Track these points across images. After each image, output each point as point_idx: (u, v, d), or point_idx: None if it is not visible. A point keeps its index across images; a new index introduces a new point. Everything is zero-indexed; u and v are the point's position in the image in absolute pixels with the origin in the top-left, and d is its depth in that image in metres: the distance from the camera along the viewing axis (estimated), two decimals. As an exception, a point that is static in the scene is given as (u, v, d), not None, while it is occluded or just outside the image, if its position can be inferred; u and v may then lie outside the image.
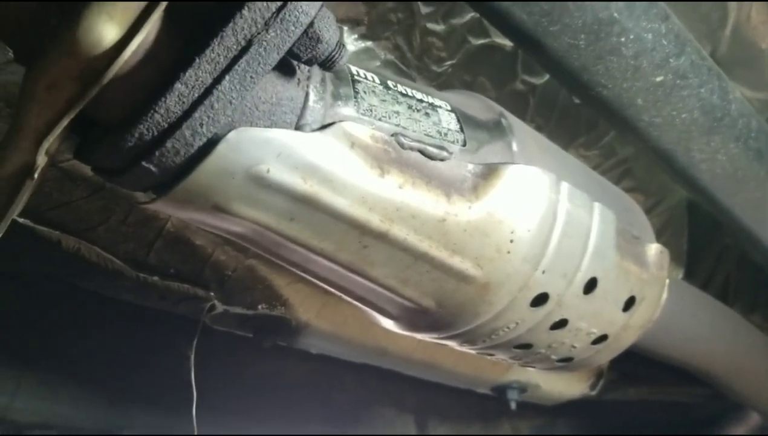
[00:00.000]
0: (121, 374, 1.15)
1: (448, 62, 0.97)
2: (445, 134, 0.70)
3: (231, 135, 0.54)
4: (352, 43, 0.87)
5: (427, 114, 0.70)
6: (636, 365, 1.62)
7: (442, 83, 0.98)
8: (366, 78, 0.67)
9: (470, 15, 0.94)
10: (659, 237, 1.44)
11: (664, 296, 0.97)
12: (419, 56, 0.94)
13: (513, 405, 1.41)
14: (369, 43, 0.88)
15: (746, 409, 1.90)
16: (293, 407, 1.43)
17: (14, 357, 1.02)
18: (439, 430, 1.77)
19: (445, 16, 0.93)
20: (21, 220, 0.72)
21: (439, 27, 0.93)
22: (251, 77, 0.53)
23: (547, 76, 1.09)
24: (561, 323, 0.82)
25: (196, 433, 0.92)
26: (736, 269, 1.68)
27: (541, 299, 0.77)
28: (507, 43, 1.02)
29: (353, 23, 0.86)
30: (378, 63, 0.91)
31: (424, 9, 0.90)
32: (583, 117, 1.16)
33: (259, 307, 0.94)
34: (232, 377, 1.29)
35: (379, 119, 0.65)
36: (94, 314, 1.08)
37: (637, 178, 1.31)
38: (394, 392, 1.66)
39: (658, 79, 0.81)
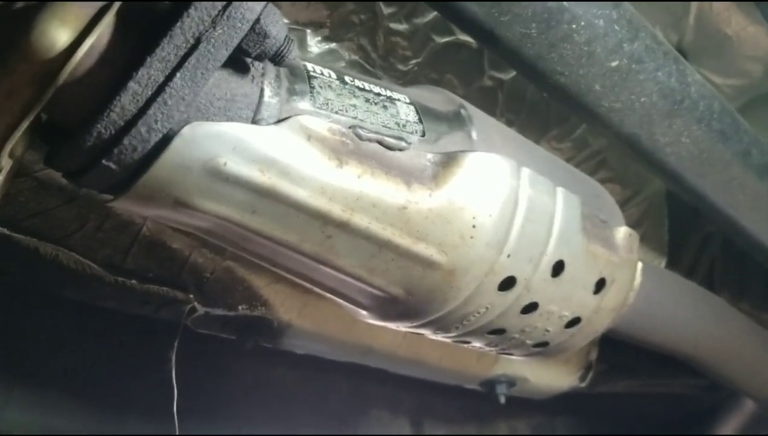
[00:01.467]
0: (113, 384, 1.16)
1: (414, 61, 0.99)
2: (404, 126, 0.72)
3: (185, 130, 0.56)
4: (316, 45, 0.90)
5: (384, 106, 0.72)
6: (626, 357, 1.63)
7: (408, 82, 1.01)
8: (322, 74, 0.69)
9: (433, 14, 0.97)
10: (638, 227, 1.46)
11: (638, 279, 0.99)
12: (384, 56, 0.96)
13: (502, 399, 1.42)
14: (333, 45, 0.91)
15: (741, 398, 1.91)
16: (286, 412, 1.44)
17: (3, 369, 1.03)
18: (436, 431, 1.78)
19: (408, 16, 0.95)
20: (-1, 229, 0.74)
21: (402, 26, 0.95)
22: (202, 73, 0.55)
23: (514, 72, 1.12)
24: (531, 307, 0.83)
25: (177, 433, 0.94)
26: (720, 257, 1.70)
27: (508, 283, 0.78)
28: (472, 40, 1.04)
29: (316, 26, 0.88)
30: (343, 64, 0.93)
31: (387, 9, 0.93)
32: (553, 110, 1.18)
33: (240, 308, 0.96)
34: (224, 385, 1.31)
35: (336, 112, 0.67)
36: (83, 325, 1.09)
37: (613, 168, 1.33)
38: (388, 394, 1.67)
39: (614, 64, 0.83)
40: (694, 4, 1.16)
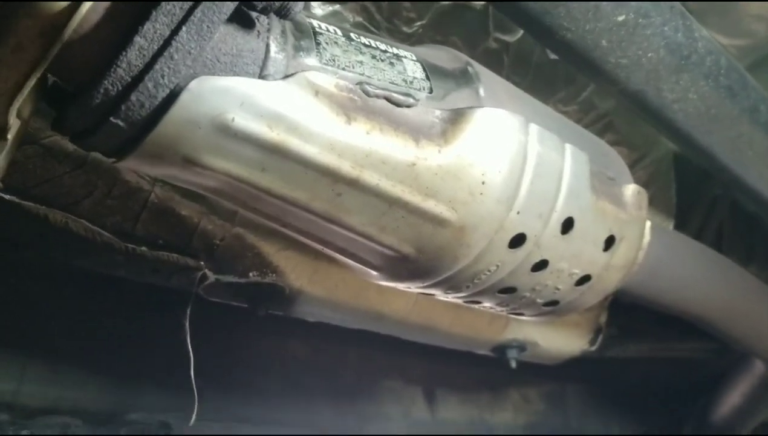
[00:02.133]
0: (126, 357, 1.18)
1: (418, 23, 0.99)
2: (411, 82, 0.71)
3: (192, 84, 0.56)
4: (319, 7, 0.89)
5: (391, 63, 0.71)
6: (635, 320, 1.64)
7: (413, 44, 1.00)
8: (327, 30, 0.69)
9: (439, -26, 0.96)
10: (647, 189, 1.46)
11: (647, 237, 0.98)
12: (388, 18, 0.95)
13: (513, 364, 1.43)
14: (336, 6, 0.90)
15: (750, 361, 1.91)
16: (300, 383, 1.45)
17: (19, 344, 1.04)
18: (449, 401, 1.79)
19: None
20: (7, 196, 0.74)
21: (406, -12, 0.95)
22: (207, 27, 0.55)
23: (520, 33, 1.11)
24: (542, 264, 0.83)
25: (195, 401, 0.95)
26: (728, 220, 1.69)
27: (518, 240, 0.78)
28: (477, 2, 1.03)
29: (318, -14, 0.88)
30: (347, 26, 0.92)
31: (391, -30, 0.92)
32: (560, 72, 1.18)
33: (251, 275, 0.96)
34: (236, 356, 1.32)
35: (343, 69, 0.66)
36: (96, 298, 1.10)
37: (620, 131, 1.32)
38: (400, 365, 1.68)
39: (620, 18, 0.82)
40: (700, -38, 1.14)
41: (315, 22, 0.69)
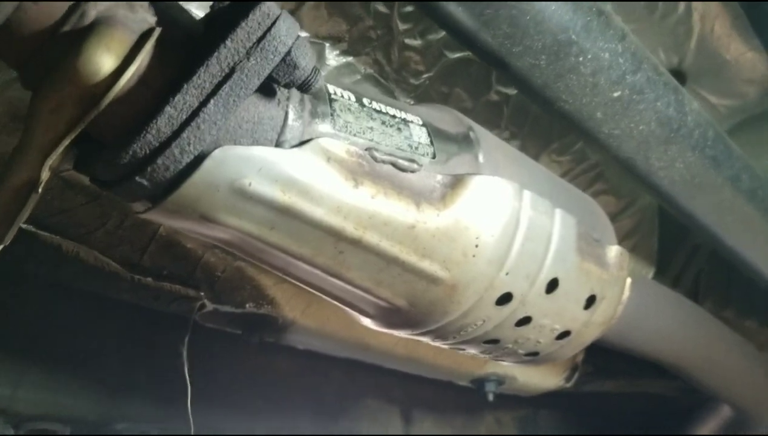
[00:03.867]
0: (120, 369, 1.21)
1: (426, 75, 1.03)
2: (416, 148, 0.76)
3: (216, 152, 0.60)
4: (334, 58, 0.93)
5: (399, 129, 0.76)
6: (611, 359, 1.69)
7: (419, 95, 1.04)
8: (342, 96, 0.73)
9: (445, 31, 1.00)
10: (630, 238, 1.51)
11: (626, 294, 1.04)
12: (398, 70, 1.00)
13: (491, 397, 1.48)
14: (350, 59, 0.94)
15: (719, 402, 1.97)
16: (283, 400, 1.49)
17: (17, 352, 1.07)
18: (425, 421, 1.84)
19: (422, 32, 0.99)
20: (24, 226, 0.78)
21: (416, 42, 0.99)
22: (234, 100, 0.59)
23: (520, 87, 1.15)
24: (525, 320, 0.88)
25: (191, 425, 0.98)
26: (707, 267, 1.75)
27: (505, 298, 0.83)
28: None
29: (335, 40, 0.91)
30: (358, 77, 0.97)
31: (402, 26, 0.96)
32: (555, 125, 1.22)
33: (247, 306, 1.00)
34: (223, 373, 1.35)
35: (354, 135, 0.70)
36: (95, 313, 1.13)
37: (609, 181, 1.37)
38: (380, 385, 1.72)
39: (616, 94, 0.87)
40: (695, 30, 1.20)
41: (331, 88, 0.73)
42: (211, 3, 0.64)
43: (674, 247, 1.65)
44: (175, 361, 1.08)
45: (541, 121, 1.20)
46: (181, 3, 0.66)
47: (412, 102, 1.04)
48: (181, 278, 0.92)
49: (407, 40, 0.98)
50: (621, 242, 1.49)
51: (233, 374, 1.37)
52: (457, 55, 1.04)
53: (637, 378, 1.90)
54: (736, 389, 1.60)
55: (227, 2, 0.62)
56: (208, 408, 1.30)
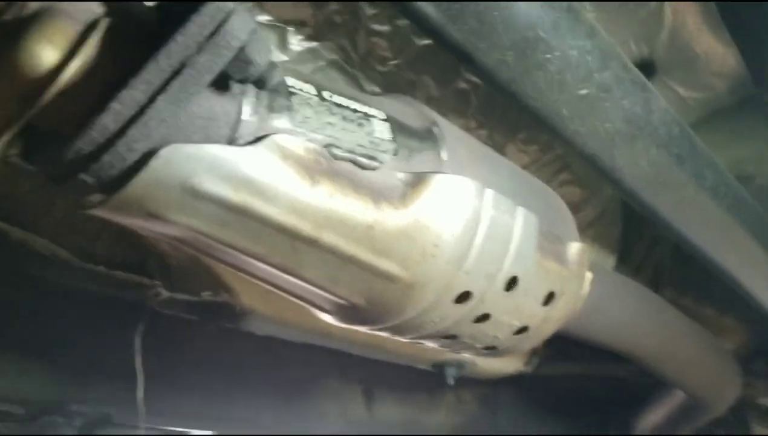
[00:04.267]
0: (75, 352, 1.19)
1: (393, 62, 1.00)
2: (378, 144, 0.74)
3: (165, 151, 0.57)
4: (298, 43, 0.90)
5: (360, 124, 0.73)
6: (570, 344, 1.71)
7: (385, 82, 1.02)
8: (302, 90, 0.70)
9: (414, 16, 0.97)
10: (594, 227, 1.52)
11: (586, 289, 1.04)
12: (364, 57, 0.97)
13: (451, 381, 1.49)
14: (314, 44, 0.91)
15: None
16: (243, 380, 1.48)
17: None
18: (386, 400, 1.85)
19: (390, 18, 0.96)
20: (-34, 212, 0.75)
21: (383, 28, 0.96)
22: (184, 97, 0.56)
23: (489, 76, 1.14)
24: (484, 317, 0.88)
25: (143, 412, 0.97)
26: (668, 255, 1.78)
27: (464, 297, 0.82)
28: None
29: (298, 24, 0.88)
30: (322, 63, 0.94)
31: (370, 11, 0.93)
32: (522, 116, 1.21)
33: (204, 294, 0.98)
34: (181, 354, 1.33)
35: (313, 131, 0.68)
36: (50, 299, 1.10)
37: (574, 172, 1.37)
38: (342, 365, 1.72)
39: (582, 92, 0.86)
40: (667, 23, 1.19)
41: (291, 81, 0.70)
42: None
43: (637, 236, 1.67)
44: (129, 342, 1.06)
45: (508, 112, 1.19)
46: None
47: (377, 89, 1.02)
48: (135, 266, 0.90)
49: (374, 26, 0.95)
50: (584, 230, 1.51)
51: (189, 354, 1.35)
52: (426, 42, 1.01)
53: (595, 362, 1.94)
54: (690, 376, 1.63)
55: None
56: (166, 389, 1.29)
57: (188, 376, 1.34)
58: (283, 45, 0.89)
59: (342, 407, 1.71)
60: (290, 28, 0.88)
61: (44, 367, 1.12)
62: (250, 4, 0.57)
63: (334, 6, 0.89)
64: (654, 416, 2.12)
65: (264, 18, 0.85)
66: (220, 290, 0.99)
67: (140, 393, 0.92)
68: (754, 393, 2.87)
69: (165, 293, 0.95)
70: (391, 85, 1.03)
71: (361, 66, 0.98)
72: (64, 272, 0.86)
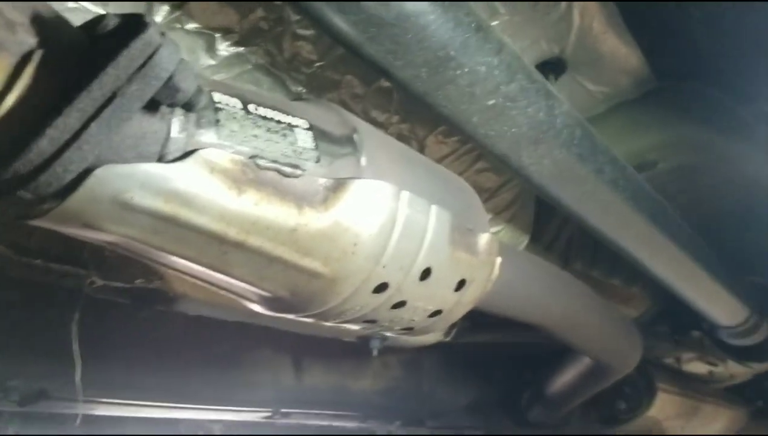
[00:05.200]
0: (10, 332, 1.21)
1: (317, 64, 1.05)
2: (300, 153, 0.80)
3: (98, 171, 0.62)
4: (225, 49, 0.94)
5: (284, 135, 0.79)
6: (486, 315, 1.84)
7: (311, 83, 1.07)
8: (227, 105, 0.75)
9: (339, 19, 1.02)
10: (509, 209, 1.63)
11: (495, 273, 1.14)
12: (289, 60, 1.01)
13: (375, 352, 1.59)
14: (240, 49, 0.95)
15: (582, 351, 2.19)
16: (175, 354, 1.54)
17: None
18: (314, 368, 1.94)
19: (314, 23, 1.00)
20: None
21: (308, 32, 1.01)
22: (116, 122, 0.61)
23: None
24: (400, 304, 0.96)
25: (80, 396, 1.02)
26: (577, 233, 1.91)
27: (381, 287, 0.91)
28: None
29: (225, 31, 0.92)
30: (249, 66, 0.98)
31: (294, 16, 0.97)
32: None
33: (137, 281, 1.03)
34: (115, 330, 1.37)
35: (239, 144, 0.74)
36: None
37: (490, 160, 1.46)
38: (272, 336, 1.79)
39: (490, 102, 0.94)
40: (575, 24, 1.28)
41: (217, 96, 0.75)
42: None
43: (548, 216, 1.79)
44: (67, 324, 1.10)
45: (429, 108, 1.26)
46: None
47: (303, 90, 1.07)
48: (69, 258, 0.93)
49: (299, 30, 0.99)
50: (500, 213, 1.61)
51: (123, 330, 1.39)
52: (349, 44, 1.06)
53: (509, 331, 2.07)
54: (594, 343, 1.78)
55: (114, 22, 0.63)
56: (101, 367, 1.33)
57: (122, 351, 1.38)
58: (211, 51, 0.93)
59: (272, 375, 1.79)
60: (217, 35, 0.92)
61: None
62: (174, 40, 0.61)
63: (260, 13, 0.93)
64: (564, 377, 2.30)
65: (192, 25, 0.88)
66: (152, 277, 1.04)
67: (78, 376, 0.96)
68: (659, 354, 3.12)
69: (99, 281, 0.99)
70: (316, 85, 1.08)
71: (287, 69, 1.02)
72: (4, 264, 0.88)
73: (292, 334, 1.81)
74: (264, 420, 1.73)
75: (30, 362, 1.27)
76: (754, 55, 1.28)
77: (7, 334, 1.20)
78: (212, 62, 0.93)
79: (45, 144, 0.59)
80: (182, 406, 1.50)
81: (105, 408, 1.31)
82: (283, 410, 1.79)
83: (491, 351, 2.45)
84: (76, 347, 0.95)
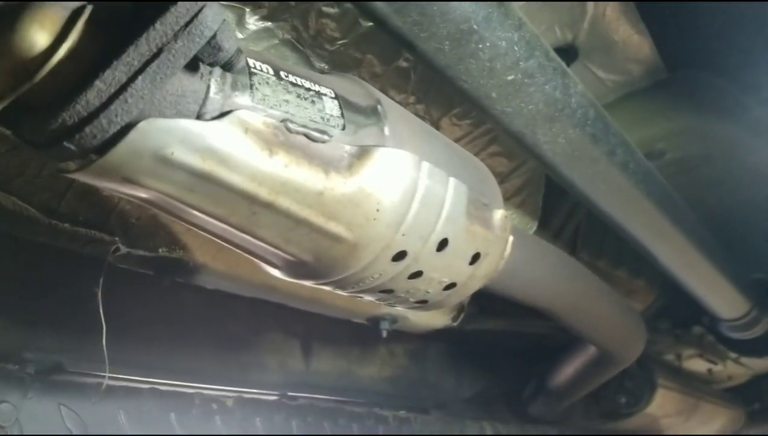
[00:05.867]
0: (32, 304, 1.24)
1: (340, 42, 1.08)
2: (328, 120, 0.83)
3: (141, 124, 0.65)
4: (253, 23, 0.97)
5: (313, 102, 0.82)
6: (493, 301, 1.86)
7: (333, 60, 1.10)
8: (261, 70, 0.78)
9: (361, -2, 1.05)
10: (519, 194, 1.66)
11: (508, 251, 1.17)
12: (314, 36, 1.04)
13: (384, 334, 1.61)
14: (268, 24, 0.98)
15: (586, 342, 2.22)
16: (188, 333, 1.56)
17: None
18: (322, 353, 1.97)
19: (339, 1, 1.04)
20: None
21: (333, 10, 1.04)
22: (160, 78, 0.64)
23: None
24: (417, 274, 0.99)
25: (107, 363, 1.04)
26: (585, 222, 1.94)
27: (400, 256, 0.93)
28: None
29: (255, 6, 0.95)
30: (276, 41, 1.01)
31: (320, -8, 1.01)
32: (457, 92, 1.31)
33: (160, 250, 1.05)
34: (132, 308, 1.40)
35: (271, 107, 0.77)
36: (6, 250, 1.14)
37: (502, 144, 1.49)
38: (282, 320, 1.82)
39: (510, 78, 0.97)
40: (589, 12, 1.31)
41: (251, 61, 0.78)
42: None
43: (557, 203, 1.82)
44: (88, 297, 1.12)
45: (444, 88, 1.28)
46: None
47: (326, 67, 1.09)
48: (97, 223, 0.96)
49: (324, 8, 1.03)
50: (510, 198, 1.64)
51: (139, 308, 1.42)
52: (371, 23, 1.09)
53: (516, 319, 2.10)
54: (599, 331, 1.81)
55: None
56: (116, 342, 1.35)
57: (135, 328, 1.40)
58: (241, 24, 0.96)
59: (282, 358, 1.82)
60: (247, 9, 0.95)
61: (10, 321, 1.17)
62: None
63: (288, -12, 0.96)
64: (567, 368, 2.33)
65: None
66: (175, 246, 1.07)
67: (104, 341, 0.99)
68: (660, 349, 3.15)
69: (123, 249, 1.01)
70: (338, 63, 1.11)
71: (311, 45, 1.05)
72: (30, 228, 0.91)
73: (301, 318, 1.84)
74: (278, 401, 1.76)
75: (47, 333, 1.29)
76: (761, 44, 1.31)
77: (24, 304, 1.22)
78: (241, 36, 0.96)
79: (92, 96, 0.62)
80: (197, 385, 1.52)
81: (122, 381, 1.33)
82: (291, 394, 1.81)
83: (496, 342, 2.48)
84: (101, 313, 0.97)
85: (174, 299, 1.48)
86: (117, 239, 1.00)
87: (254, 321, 1.72)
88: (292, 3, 0.98)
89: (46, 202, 0.91)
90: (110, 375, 1.20)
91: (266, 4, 0.95)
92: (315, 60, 1.07)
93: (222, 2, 0.92)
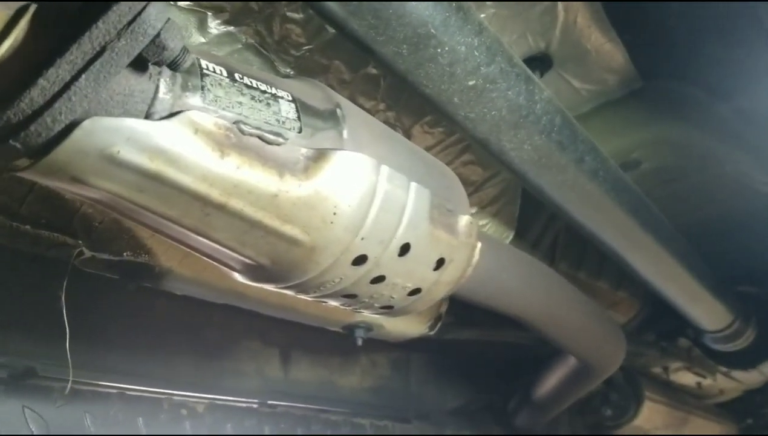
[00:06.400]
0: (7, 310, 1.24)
1: (306, 47, 1.09)
2: (283, 122, 0.83)
3: (86, 123, 0.65)
4: (215, 27, 0.97)
5: (268, 104, 0.83)
6: (471, 311, 1.86)
7: (299, 66, 1.10)
8: (214, 71, 0.79)
9: (327, 5, 1.06)
10: (494, 204, 1.66)
11: (476, 257, 1.17)
12: (279, 41, 1.05)
13: (359, 342, 1.61)
14: (231, 28, 0.99)
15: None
16: (165, 341, 1.56)
17: None
18: (302, 362, 1.96)
19: (304, 6, 1.04)
20: None
21: (298, 15, 1.04)
22: (104, 76, 0.64)
23: (398, 61, 1.24)
24: (379, 279, 0.99)
25: (70, 366, 1.04)
26: (563, 232, 1.94)
27: (361, 260, 0.93)
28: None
29: (217, 9, 0.96)
30: (239, 46, 1.02)
31: (284, -2, 1.01)
32: (421, 98, 1.32)
33: (125, 254, 1.05)
34: (102, 312, 1.40)
35: (224, 109, 0.77)
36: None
37: (476, 153, 1.50)
38: (260, 328, 1.81)
39: (471, 83, 0.97)
40: (560, 20, 1.31)
41: (204, 63, 0.78)
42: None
43: (535, 213, 1.82)
44: (54, 301, 1.12)
45: (415, 96, 1.28)
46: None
47: (291, 72, 1.10)
48: (59, 226, 0.96)
49: (289, 13, 1.03)
50: (485, 207, 1.64)
51: (113, 313, 1.42)
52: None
53: (495, 329, 2.10)
54: (578, 342, 1.81)
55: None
56: (87, 346, 1.34)
57: (108, 333, 1.40)
58: (203, 28, 0.96)
59: (260, 367, 1.81)
60: (209, 13, 0.96)
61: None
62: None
63: (251, -8, 0.96)
64: (550, 380, 2.32)
65: (184, 2, 0.92)
66: (140, 251, 1.07)
67: (67, 345, 0.98)
68: (647, 362, 3.15)
69: (87, 253, 1.01)
70: (304, 69, 1.11)
71: (276, 50, 1.06)
72: (-6, 231, 0.91)
73: (281, 325, 1.83)
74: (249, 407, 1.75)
75: (17, 339, 1.28)
76: (727, 51, 1.32)
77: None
78: (203, 40, 0.97)
79: (36, 94, 0.62)
80: (167, 391, 1.51)
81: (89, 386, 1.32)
82: (270, 402, 1.80)
83: (479, 353, 2.47)
84: (64, 316, 0.97)
85: (147, 303, 1.47)
86: (80, 242, 1.00)
87: (230, 328, 1.71)
88: (255, 7, 0.99)
89: (6, 204, 0.91)
90: (76, 379, 1.20)
91: (228, 7, 0.96)
92: (280, 65, 1.08)
93: (182, 5, 0.92)
